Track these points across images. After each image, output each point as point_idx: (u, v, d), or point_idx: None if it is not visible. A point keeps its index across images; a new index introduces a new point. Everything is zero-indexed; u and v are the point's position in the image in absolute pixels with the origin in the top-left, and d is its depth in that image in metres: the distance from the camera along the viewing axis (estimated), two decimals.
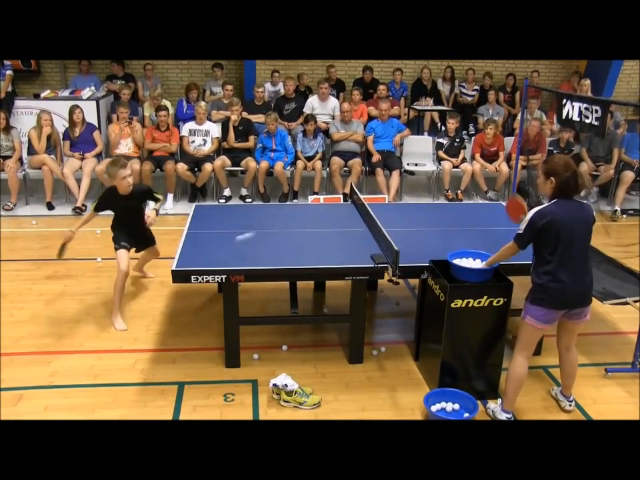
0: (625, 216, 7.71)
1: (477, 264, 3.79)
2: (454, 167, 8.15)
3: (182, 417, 3.62)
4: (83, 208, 7.36)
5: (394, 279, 3.79)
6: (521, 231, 3.36)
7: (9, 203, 7.42)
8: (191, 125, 7.94)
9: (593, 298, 4.15)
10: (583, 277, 3.34)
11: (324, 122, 8.57)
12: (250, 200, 7.93)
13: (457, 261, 3.78)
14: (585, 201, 3.38)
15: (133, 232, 4.85)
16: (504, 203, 5.60)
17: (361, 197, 5.15)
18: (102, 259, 5.90)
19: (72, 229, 4.80)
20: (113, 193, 4.70)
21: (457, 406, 3.66)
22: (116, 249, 4.74)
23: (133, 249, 4.94)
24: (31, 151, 7.60)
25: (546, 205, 3.33)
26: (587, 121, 5.30)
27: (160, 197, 5.02)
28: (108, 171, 4.71)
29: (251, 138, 8.04)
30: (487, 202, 7.98)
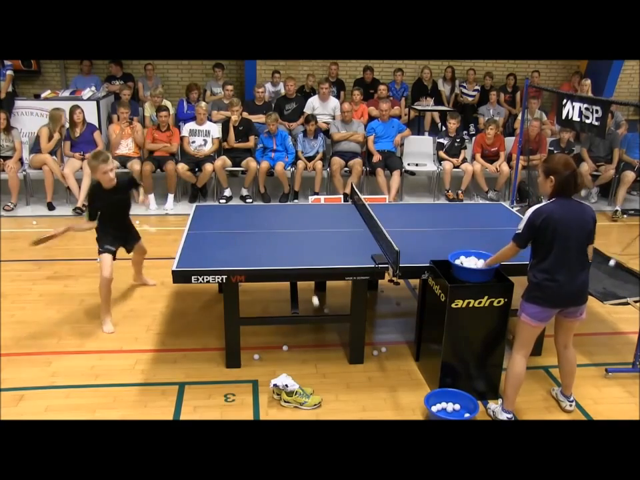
0: (625, 216, 7.71)
1: (478, 264, 3.79)
2: (454, 167, 8.15)
3: (182, 417, 3.62)
4: (84, 208, 7.34)
5: (394, 279, 3.79)
6: (519, 230, 3.37)
7: (9, 204, 7.42)
8: (191, 125, 7.94)
9: (594, 298, 4.17)
10: (578, 276, 3.34)
11: (324, 122, 8.57)
12: (250, 200, 7.93)
13: (457, 261, 3.77)
14: (585, 202, 3.38)
15: (120, 227, 4.73)
16: (504, 203, 5.60)
17: (362, 197, 5.15)
18: None
19: (63, 229, 4.58)
20: (98, 189, 4.52)
21: (457, 406, 3.66)
22: (100, 252, 4.61)
23: (124, 249, 4.86)
24: (34, 149, 7.60)
25: (544, 203, 3.34)
26: (587, 121, 5.31)
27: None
28: (89, 164, 4.51)
29: (251, 138, 8.05)
30: (487, 202, 7.98)
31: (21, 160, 7.63)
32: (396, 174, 7.94)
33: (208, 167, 7.65)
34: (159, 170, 7.69)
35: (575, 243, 3.29)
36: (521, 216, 3.91)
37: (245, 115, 8.28)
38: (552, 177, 3.29)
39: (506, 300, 3.65)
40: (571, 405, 3.75)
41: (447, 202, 8.06)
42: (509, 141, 8.49)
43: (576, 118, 5.47)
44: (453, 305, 3.61)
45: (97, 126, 8.05)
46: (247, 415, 3.66)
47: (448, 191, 8.21)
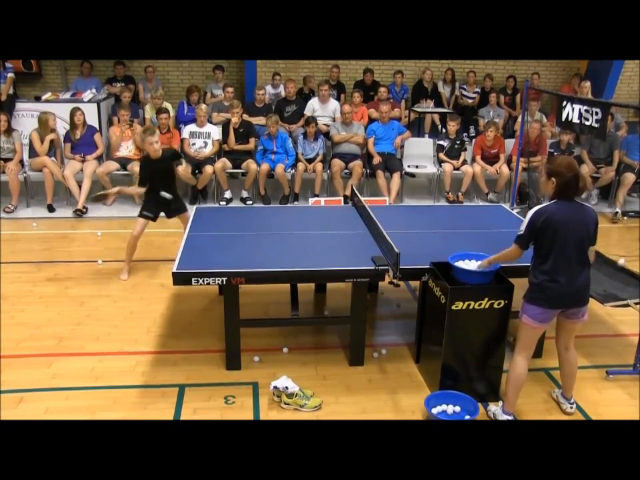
0: (626, 218, 7.71)
1: (478, 266, 3.79)
2: (455, 169, 8.14)
3: (182, 419, 3.61)
4: (84, 210, 7.36)
5: (395, 280, 3.78)
6: (521, 232, 3.36)
7: (9, 205, 7.41)
8: (191, 127, 7.94)
9: (594, 300, 4.16)
10: (579, 277, 3.33)
11: (325, 124, 8.57)
12: (251, 202, 7.93)
13: (457, 263, 3.77)
14: (587, 204, 3.37)
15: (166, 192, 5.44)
16: (504, 205, 5.59)
17: (362, 199, 5.15)
18: (102, 261, 5.90)
19: (116, 189, 5.61)
20: (147, 160, 5.45)
21: (457, 408, 3.65)
22: (138, 216, 5.49)
23: (163, 214, 5.57)
24: (32, 153, 7.60)
25: (545, 204, 3.33)
26: (587, 123, 5.31)
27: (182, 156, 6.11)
28: (140, 137, 5.59)
29: (252, 140, 8.04)
30: (487, 204, 7.98)
31: (21, 162, 7.63)
32: (396, 176, 7.93)
33: (208, 168, 7.65)
34: None
35: (575, 244, 3.28)
36: (521, 218, 3.91)
37: (245, 117, 8.28)
38: (554, 178, 3.28)
39: (506, 302, 3.64)
40: (571, 407, 3.74)
41: (447, 204, 8.06)
42: (509, 143, 8.49)
43: (576, 120, 5.46)
44: (453, 307, 3.61)
45: (98, 128, 8.05)
46: (247, 416, 3.65)
47: (448, 193, 8.21)
